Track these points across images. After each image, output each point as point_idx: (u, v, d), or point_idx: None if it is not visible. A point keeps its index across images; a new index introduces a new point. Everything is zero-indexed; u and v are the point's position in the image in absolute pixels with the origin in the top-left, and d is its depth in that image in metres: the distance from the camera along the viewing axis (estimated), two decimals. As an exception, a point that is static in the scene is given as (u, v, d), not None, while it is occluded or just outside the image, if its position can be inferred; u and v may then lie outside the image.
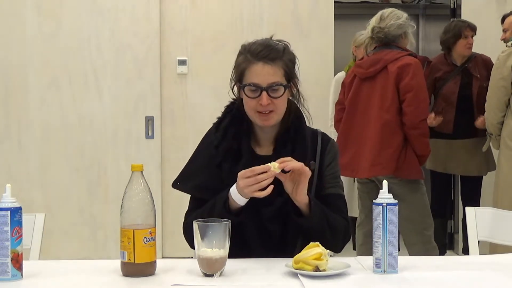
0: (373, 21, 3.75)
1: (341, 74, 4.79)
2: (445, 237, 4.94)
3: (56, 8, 4.82)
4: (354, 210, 4.71)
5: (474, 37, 4.53)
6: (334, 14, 4.98)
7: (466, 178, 4.73)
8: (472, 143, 4.51)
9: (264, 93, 1.99)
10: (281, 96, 2.01)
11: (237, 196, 1.94)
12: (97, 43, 4.84)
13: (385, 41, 3.71)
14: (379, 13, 3.76)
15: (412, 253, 3.77)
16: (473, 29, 4.53)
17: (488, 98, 3.86)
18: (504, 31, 4.31)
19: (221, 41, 4.87)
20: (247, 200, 1.94)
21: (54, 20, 4.82)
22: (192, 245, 1.87)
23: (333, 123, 4.72)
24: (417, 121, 3.60)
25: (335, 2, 5.01)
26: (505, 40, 4.24)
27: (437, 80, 4.58)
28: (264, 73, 2.00)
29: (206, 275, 1.75)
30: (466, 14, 5.08)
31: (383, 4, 6.49)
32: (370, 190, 3.79)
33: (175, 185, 2.11)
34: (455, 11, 5.44)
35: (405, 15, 3.75)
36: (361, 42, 4.77)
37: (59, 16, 4.82)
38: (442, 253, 4.87)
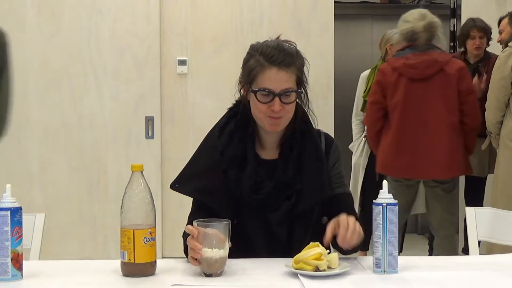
0: (417, 17, 3.82)
1: (368, 72, 4.82)
2: None
3: (56, 8, 4.81)
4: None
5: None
6: (334, 14, 4.98)
7: (469, 178, 4.74)
8: None
9: (277, 99, 1.97)
10: (292, 102, 2.00)
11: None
12: (97, 43, 4.83)
13: (434, 37, 3.85)
14: (416, 12, 3.89)
15: (442, 244, 4.00)
16: (481, 30, 4.52)
17: (488, 98, 3.88)
18: (500, 32, 4.33)
19: (221, 41, 4.87)
20: None
21: (54, 20, 4.82)
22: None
23: (357, 119, 4.77)
24: (478, 122, 3.81)
25: (335, 2, 5.00)
26: (501, 42, 4.25)
27: None
28: (278, 79, 1.97)
29: (206, 275, 1.75)
30: (466, 14, 5.07)
31: (383, 4, 6.50)
32: (408, 191, 3.96)
33: (174, 186, 2.08)
34: (455, 11, 5.45)
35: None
36: (397, 40, 4.82)
37: (59, 16, 4.82)
38: None
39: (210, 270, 1.75)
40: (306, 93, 2.09)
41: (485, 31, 4.54)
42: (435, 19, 3.82)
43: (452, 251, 3.95)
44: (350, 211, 2.02)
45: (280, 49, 2.00)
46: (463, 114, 3.78)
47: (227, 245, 1.76)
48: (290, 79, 1.99)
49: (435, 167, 3.80)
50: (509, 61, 3.75)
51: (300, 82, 2.03)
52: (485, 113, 3.91)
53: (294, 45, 2.07)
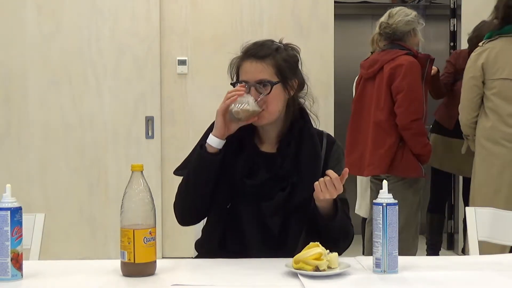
0: (382, 18, 3.79)
1: None
2: (440, 235, 4.93)
3: (56, 8, 4.81)
4: (364, 210, 4.74)
5: None
6: (334, 14, 4.98)
7: (467, 179, 4.74)
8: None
9: (252, 89, 2.01)
10: (268, 93, 2.01)
11: (211, 138, 2.01)
12: (97, 43, 4.84)
13: (394, 37, 3.75)
14: (388, 10, 3.81)
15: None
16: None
17: (461, 99, 3.85)
18: None
19: (221, 41, 4.87)
20: (222, 141, 2.00)
21: (54, 20, 4.82)
22: (181, 210, 2.05)
23: None
24: (407, 121, 3.64)
25: (335, 2, 5.01)
26: None
27: (457, 73, 4.59)
28: (252, 70, 2.03)
29: (235, 117, 1.99)
30: (466, 14, 5.08)
31: (384, 4, 6.49)
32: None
33: (176, 172, 2.15)
34: (455, 11, 5.45)
35: (414, 12, 3.81)
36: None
37: (59, 16, 4.82)
38: (436, 251, 4.87)
39: (240, 114, 1.97)
40: (295, 90, 2.10)
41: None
42: (396, 18, 3.73)
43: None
44: (347, 218, 2.07)
45: (259, 44, 2.08)
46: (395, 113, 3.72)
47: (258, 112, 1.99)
48: (266, 70, 2.02)
49: (362, 165, 3.82)
50: (479, 60, 3.73)
51: (284, 76, 2.05)
52: (459, 115, 3.89)
53: (293, 46, 2.11)
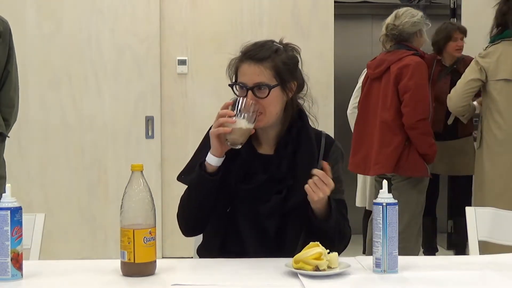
0: (388, 19, 3.83)
1: None
2: (435, 237, 4.93)
3: (56, 8, 4.82)
4: (361, 199, 4.75)
5: (473, 38, 4.56)
6: (334, 14, 4.98)
7: (455, 178, 4.77)
8: (460, 143, 4.56)
9: (250, 93, 1.99)
10: (266, 97, 1.99)
11: (210, 157, 1.98)
12: (97, 43, 4.84)
13: (400, 38, 3.77)
14: (395, 11, 3.84)
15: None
16: (462, 31, 4.60)
17: (456, 90, 3.98)
18: None
19: (221, 41, 4.87)
20: (221, 158, 1.98)
21: (54, 20, 4.82)
22: (184, 223, 2.04)
23: (352, 111, 4.75)
24: (414, 121, 3.67)
25: (335, 2, 5.01)
26: None
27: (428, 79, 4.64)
28: (249, 73, 2.00)
29: (232, 144, 1.93)
30: (466, 14, 5.08)
31: (384, 4, 6.49)
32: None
33: (180, 178, 2.13)
34: (455, 11, 5.45)
35: (420, 13, 3.84)
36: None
37: (59, 16, 4.82)
38: (433, 254, 4.84)
39: (236, 142, 1.92)
40: (293, 92, 2.08)
41: (466, 33, 4.59)
42: (403, 19, 3.76)
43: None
44: (344, 220, 2.08)
45: (258, 45, 2.04)
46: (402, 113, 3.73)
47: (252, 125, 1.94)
48: (263, 73, 1.99)
49: (368, 164, 3.84)
50: (481, 63, 3.89)
51: (282, 79, 2.02)
52: (449, 103, 4.00)
53: (293, 46, 2.09)
